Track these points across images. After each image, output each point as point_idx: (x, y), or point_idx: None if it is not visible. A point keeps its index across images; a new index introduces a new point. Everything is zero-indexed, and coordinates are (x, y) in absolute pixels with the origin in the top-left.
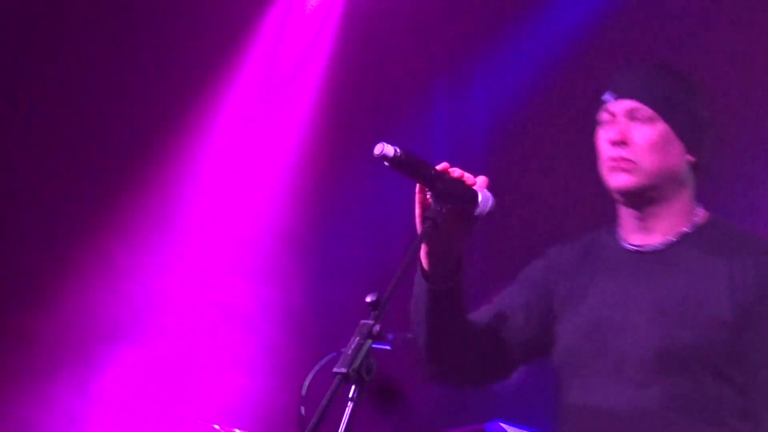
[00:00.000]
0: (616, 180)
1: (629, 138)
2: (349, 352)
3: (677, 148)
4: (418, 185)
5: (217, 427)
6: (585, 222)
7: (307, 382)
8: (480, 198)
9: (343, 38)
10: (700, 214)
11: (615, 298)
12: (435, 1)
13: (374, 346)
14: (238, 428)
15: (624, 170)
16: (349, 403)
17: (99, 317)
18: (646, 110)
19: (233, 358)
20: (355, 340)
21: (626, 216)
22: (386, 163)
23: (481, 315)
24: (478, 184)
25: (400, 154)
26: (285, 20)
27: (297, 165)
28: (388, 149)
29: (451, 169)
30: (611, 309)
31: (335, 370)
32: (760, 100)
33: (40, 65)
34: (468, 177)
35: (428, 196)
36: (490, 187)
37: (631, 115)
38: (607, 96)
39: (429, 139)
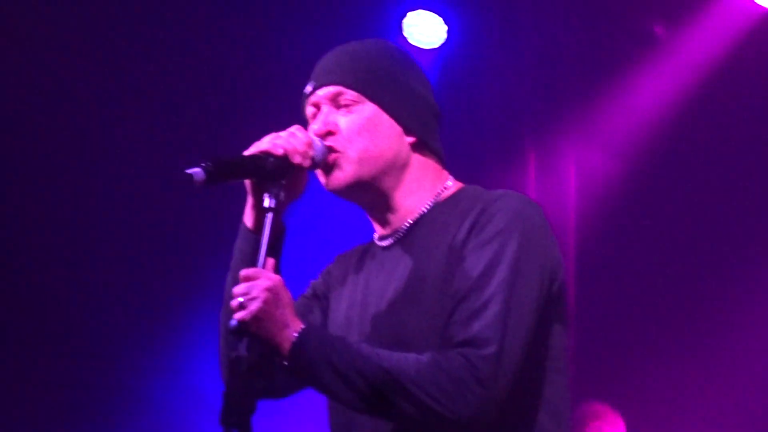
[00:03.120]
0: (328, 181)
1: (335, 126)
2: (233, 398)
3: (391, 129)
4: (248, 183)
5: None
6: (674, 295)
7: None
8: (313, 149)
9: None
10: (450, 188)
11: (360, 297)
12: (525, 76)
13: None
14: None
15: (333, 166)
16: None
17: None
18: (350, 93)
19: None
20: (233, 381)
21: (366, 212)
22: (204, 185)
23: None
24: (298, 138)
25: (211, 167)
26: None
27: None
28: (197, 172)
29: (266, 147)
30: (357, 308)
31: (222, 422)
32: None
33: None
34: (286, 140)
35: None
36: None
37: (336, 102)
38: (307, 87)
39: None
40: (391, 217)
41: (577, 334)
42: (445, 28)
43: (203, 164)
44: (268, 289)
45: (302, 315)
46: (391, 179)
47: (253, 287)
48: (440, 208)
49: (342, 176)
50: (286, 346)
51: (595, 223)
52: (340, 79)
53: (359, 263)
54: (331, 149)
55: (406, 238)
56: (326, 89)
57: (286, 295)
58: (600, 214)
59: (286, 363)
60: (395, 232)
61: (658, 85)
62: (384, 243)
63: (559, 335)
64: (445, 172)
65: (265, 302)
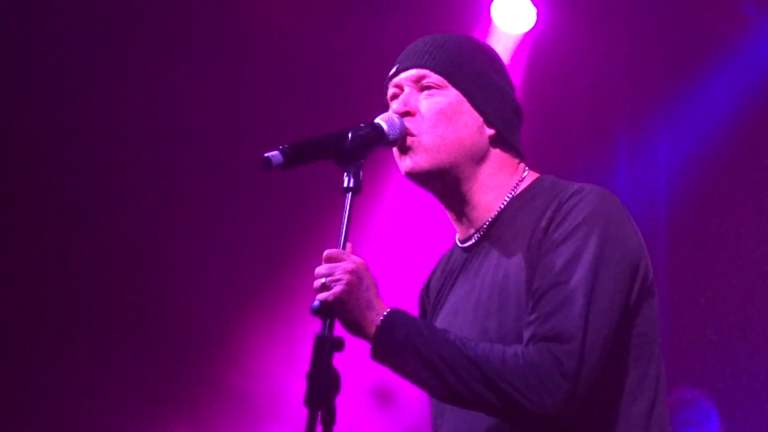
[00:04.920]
0: (403, 164)
1: (415, 108)
2: (317, 379)
3: (472, 119)
4: None
5: None
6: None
7: None
8: (385, 127)
9: (522, 98)
10: (526, 180)
11: (450, 307)
12: (615, 59)
13: None
14: None
15: (410, 149)
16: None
17: None
18: (434, 77)
19: None
20: (317, 362)
21: (446, 209)
22: (283, 168)
23: None
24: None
25: (288, 149)
26: None
27: None
28: (274, 155)
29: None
30: (449, 318)
31: (307, 403)
32: None
33: None
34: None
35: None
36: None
37: (419, 85)
38: (391, 70)
39: None
40: (471, 215)
41: (671, 321)
42: (534, 11)
43: (280, 147)
44: (351, 272)
45: None
46: (468, 170)
47: (336, 268)
48: (517, 203)
49: (418, 161)
50: (371, 329)
51: (687, 211)
52: (426, 62)
53: (446, 274)
54: (408, 132)
55: (486, 239)
56: (410, 71)
57: (369, 278)
58: (692, 202)
59: (371, 347)
60: (476, 231)
61: (751, 67)
62: (465, 245)
63: (648, 325)
64: (522, 165)
65: (348, 284)
